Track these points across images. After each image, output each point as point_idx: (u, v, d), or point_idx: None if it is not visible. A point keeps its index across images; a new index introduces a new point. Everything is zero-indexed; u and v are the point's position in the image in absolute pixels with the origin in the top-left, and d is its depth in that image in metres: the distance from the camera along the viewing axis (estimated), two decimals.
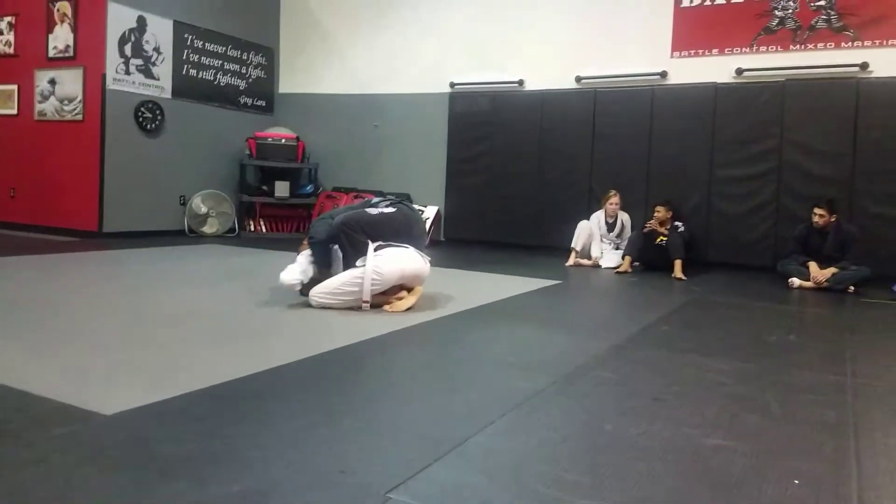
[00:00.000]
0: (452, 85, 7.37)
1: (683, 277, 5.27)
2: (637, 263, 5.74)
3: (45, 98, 6.90)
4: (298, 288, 3.56)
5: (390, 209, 3.80)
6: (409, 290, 3.61)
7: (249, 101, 8.14)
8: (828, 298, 4.64)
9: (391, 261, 3.48)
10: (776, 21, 5.93)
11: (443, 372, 2.41)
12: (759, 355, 2.88)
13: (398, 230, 3.70)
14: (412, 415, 1.95)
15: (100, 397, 1.94)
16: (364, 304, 3.45)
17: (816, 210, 5.19)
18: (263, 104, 8.34)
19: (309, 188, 8.01)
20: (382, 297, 3.52)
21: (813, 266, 5.05)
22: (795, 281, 5.07)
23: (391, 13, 7.75)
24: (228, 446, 1.65)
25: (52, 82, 6.82)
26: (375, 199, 3.97)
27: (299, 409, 1.93)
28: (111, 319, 3.07)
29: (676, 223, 5.74)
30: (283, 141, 7.78)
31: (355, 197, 7.57)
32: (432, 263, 3.72)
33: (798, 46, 5.87)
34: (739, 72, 6.06)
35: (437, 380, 2.32)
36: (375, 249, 3.50)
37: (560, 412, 1.99)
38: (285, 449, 1.64)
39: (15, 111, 7.11)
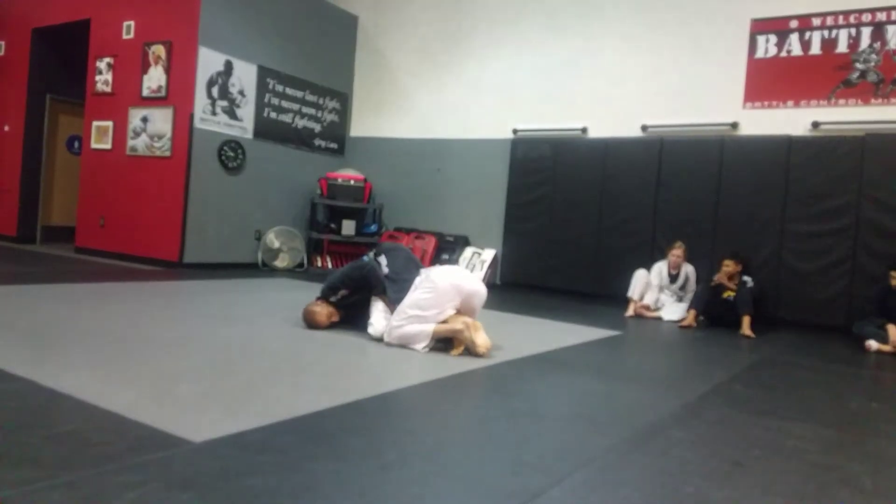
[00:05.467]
0: (515, 131, 7.48)
1: (752, 335, 5.10)
2: (702, 318, 5.60)
3: (136, 135, 7.38)
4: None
5: (384, 258, 3.84)
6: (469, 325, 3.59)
7: (323, 143, 8.50)
8: None
9: (445, 274, 3.53)
10: (857, 74, 5.80)
11: (509, 421, 2.41)
12: (842, 422, 2.75)
13: (412, 257, 3.92)
14: (483, 464, 1.96)
15: (189, 425, 2.05)
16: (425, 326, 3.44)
17: (893, 273, 4.97)
18: (335, 147, 8.69)
19: (373, 227, 8.23)
20: (447, 328, 3.45)
21: (892, 329, 4.80)
22: (874, 344, 4.82)
23: (460, 62, 7.99)
24: (310, 481, 1.70)
25: (145, 120, 7.30)
26: (368, 258, 3.97)
27: (373, 448, 1.98)
28: (195, 348, 3.22)
29: (745, 278, 5.58)
30: (352, 182, 8.06)
31: (416, 238, 7.78)
32: (488, 306, 3.75)
33: (880, 100, 5.71)
34: (816, 125, 5.92)
35: (504, 429, 2.32)
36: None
37: (636, 470, 1.96)
38: (364, 489, 1.68)
39: (109, 146, 7.63)
